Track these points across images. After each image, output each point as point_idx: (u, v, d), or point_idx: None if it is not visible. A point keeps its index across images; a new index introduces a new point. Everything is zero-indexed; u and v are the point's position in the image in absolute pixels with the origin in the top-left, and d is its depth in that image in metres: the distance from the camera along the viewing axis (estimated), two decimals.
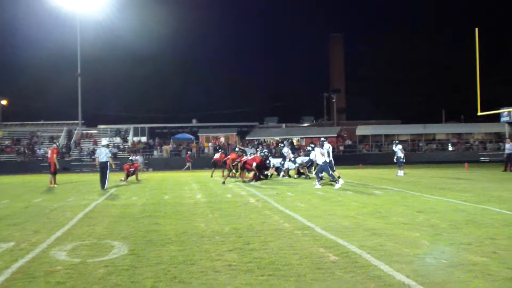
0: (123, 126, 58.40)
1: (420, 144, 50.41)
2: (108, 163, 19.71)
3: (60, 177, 24.04)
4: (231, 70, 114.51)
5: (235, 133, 55.44)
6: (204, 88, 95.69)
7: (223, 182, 21.07)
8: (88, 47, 60.59)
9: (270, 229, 8.85)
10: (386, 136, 51.35)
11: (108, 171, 19.70)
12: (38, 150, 49.06)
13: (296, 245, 7.41)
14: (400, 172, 24.98)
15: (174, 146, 51.54)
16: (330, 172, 18.62)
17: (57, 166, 22.55)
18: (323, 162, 18.53)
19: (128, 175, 24.92)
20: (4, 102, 59.47)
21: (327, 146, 19.68)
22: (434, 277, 5.62)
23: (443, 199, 13.37)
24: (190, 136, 55.00)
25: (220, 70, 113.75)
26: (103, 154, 19.83)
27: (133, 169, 25.29)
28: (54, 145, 27.77)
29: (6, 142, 52.29)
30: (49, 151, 23.41)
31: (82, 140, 53.15)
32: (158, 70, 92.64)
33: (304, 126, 68.41)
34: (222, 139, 54.28)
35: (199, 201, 14.08)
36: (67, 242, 8.04)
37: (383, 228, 8.73)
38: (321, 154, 18.64)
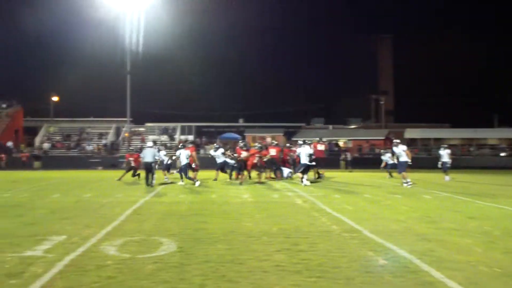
0: (171, 125, 58.97)
1: (471, 149, 49.18)
2: (152, 164, 19.59)
3: (108, 173, 24.42)
4: (280, 70, 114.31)
5: (281, 134, 55.20)
6: (252, 88, 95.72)
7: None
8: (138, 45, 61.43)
9: (318, 231, 8.79)
10: (435, 140, 50.34)
11: (153, 170, 19.66)
12: (87, 146, 50.15)
13: (345, 248, 7.34)
14: (447, 177, 24.44)
15: (221, 145, 51.72)
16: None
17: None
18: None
19: (134, 170, 23.35)
20: (55, 98, 60.92)
21: (403, 147, 21.09)
22: (487, 285, 5.47)
23: (495, 205, 12.99)
24: (237, 136, 55.07)
25: (269, 70, 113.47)
26: (149, 155, 19.64)
27: (133, 164, 23.30)
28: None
29: (57, 138, 53.59)
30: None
31: (130, 138, 53.99)
32: (207, 69, 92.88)
33: (351, 128, 67.72)
34: (269, 140, 54.04)
35: (246, 201, 14.11)
36: (117, 237, 8.18)
37: (433, 234, 8.55)
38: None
